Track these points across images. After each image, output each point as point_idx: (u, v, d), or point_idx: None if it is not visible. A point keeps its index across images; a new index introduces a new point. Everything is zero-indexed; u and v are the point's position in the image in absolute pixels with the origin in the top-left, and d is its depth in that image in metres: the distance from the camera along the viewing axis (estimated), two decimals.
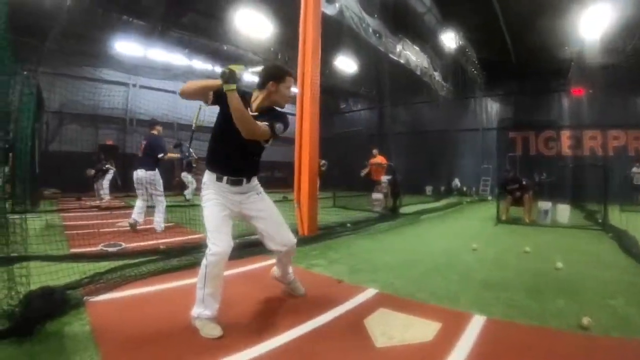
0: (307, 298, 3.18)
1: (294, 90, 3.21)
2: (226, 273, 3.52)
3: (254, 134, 2.43)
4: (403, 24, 11.75)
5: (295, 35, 6.33)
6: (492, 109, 19.66)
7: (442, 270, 4.29)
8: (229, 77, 2.27)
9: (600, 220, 8.17)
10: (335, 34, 9.77)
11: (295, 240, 2.98)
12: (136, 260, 4.06)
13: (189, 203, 10.71)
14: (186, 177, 12.67)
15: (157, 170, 6.43)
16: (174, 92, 17.27)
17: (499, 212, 8.76)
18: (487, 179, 18.95)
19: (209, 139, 2.75)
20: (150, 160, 6.40)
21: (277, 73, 2.72)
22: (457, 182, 18.89)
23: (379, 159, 11.76)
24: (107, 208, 9.45)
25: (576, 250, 5.68)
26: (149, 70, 16.65)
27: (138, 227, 6.34)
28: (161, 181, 6.51)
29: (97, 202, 10.63)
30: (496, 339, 2.52)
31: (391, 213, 9.31)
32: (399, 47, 11.52)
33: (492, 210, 9.63)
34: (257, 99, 2.70)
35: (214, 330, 2.42)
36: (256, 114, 2.61)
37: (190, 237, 5.81)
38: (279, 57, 14.90)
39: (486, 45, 15.41)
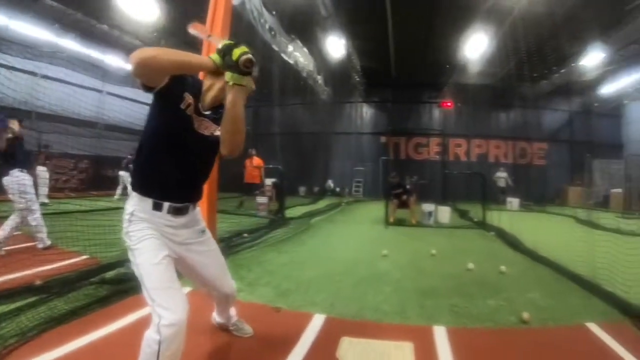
0: (257, 339, 2.85)
1: None
2: (141, 314, 3.04)
3: (239, 149, 1.94)
4: (299, 25, 11.87)
5: (182, 24, 5.77)
6: (367, 114, 21.85)
7: (369, 282, 4.46)
8: (252, 64, 1.66)
9: (475, 220, 9.51)
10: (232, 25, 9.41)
11: (235, 285, 2.60)
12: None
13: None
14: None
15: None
16: (34, 73, 14.56)
17: (387, 216, 9.46)
18: (360, 180, 20.86)
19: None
20: (23, 158, 5.37)
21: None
22: (330, 183, 20.07)
23: (256, 161, 11.67)
24: None
25: (474, 249, 6.65)
26: (5, 45, 13.74)
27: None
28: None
29: None
30: (467, 347, 2.76)
31: (277, 217, 9.30)
32: (290, 47, 11.63)
33: (375, 212, 10.48)
34: (210, 88, 2.00)
35: None
36: (208, 112, 2.01)
37: (73, 260, 4.77)
38: (162, 45, 13.77)
39: (371, 55, 16.89)
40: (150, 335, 1.79)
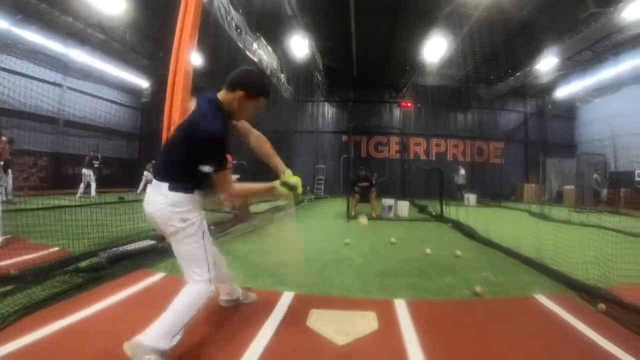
0: (233, 313, 3.05)
1: None
2: (117, 298, 3.26)
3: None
4: (264, 23, 12.05)
5: (150, 21, 5.85)
6: (328, 113, 22.55)
7: (335, 265, 4.75)
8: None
9: (434, 213, 10.00)
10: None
11: None
12: None
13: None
14: None
15: None
16: None
17: (349, 210, 9.74)
18: (321, 178, 21.37)
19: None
20: None
21: (255, 84, 2.44)
22: None
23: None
24: None
25: (432, 238, 7.08)
26: None
27: None
28: None
29: None
30: (426, 315, 3.08)
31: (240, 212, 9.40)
32: (255, 45, 11.80)
33: (336, 208, 10.83)
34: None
35: None
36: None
37: (42, 252, 4.64)
38: (127, 39, 13.59)
39: (334, 55, 17.46)
40: (193, 288, 2.32)
